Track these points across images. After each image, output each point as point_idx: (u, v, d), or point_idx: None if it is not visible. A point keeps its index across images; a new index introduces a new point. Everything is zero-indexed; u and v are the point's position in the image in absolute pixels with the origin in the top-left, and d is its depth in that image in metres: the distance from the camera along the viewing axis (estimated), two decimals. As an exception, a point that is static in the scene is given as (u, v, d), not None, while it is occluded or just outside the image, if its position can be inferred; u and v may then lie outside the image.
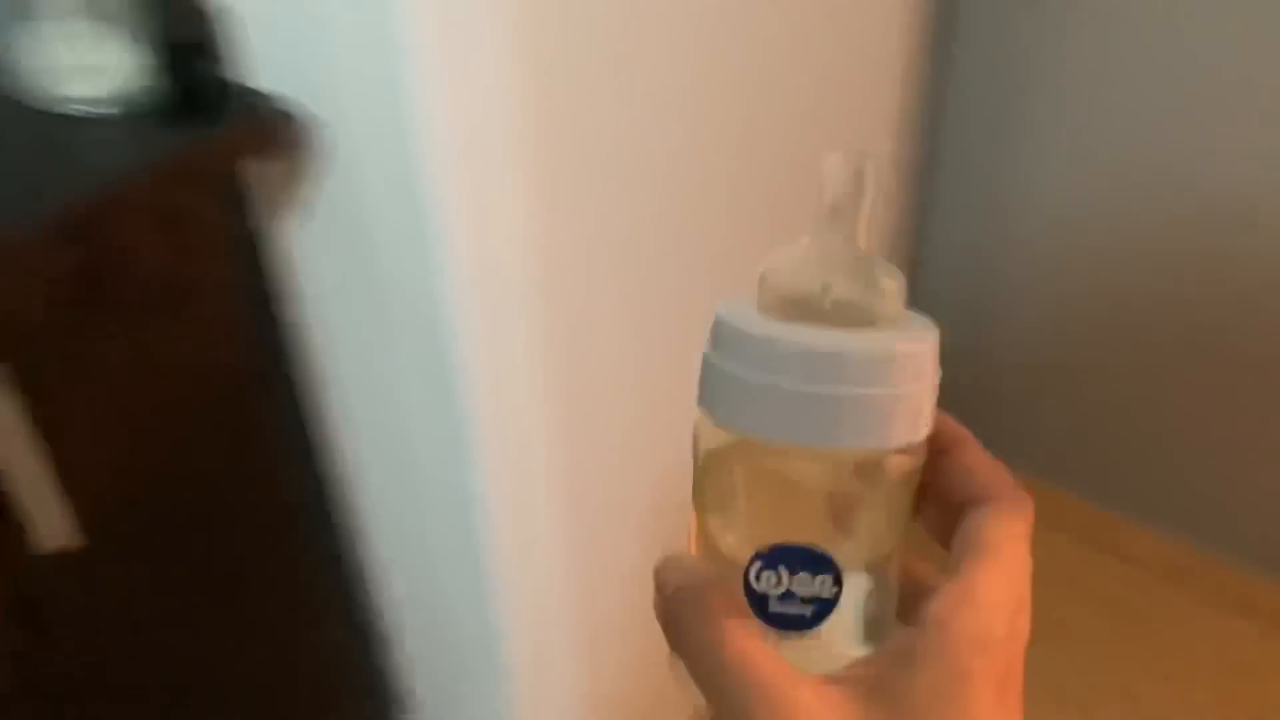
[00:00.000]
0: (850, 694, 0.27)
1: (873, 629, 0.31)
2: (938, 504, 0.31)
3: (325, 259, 0.77)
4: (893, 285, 0.30)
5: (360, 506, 0.91)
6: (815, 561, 0.29)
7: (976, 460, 0.30)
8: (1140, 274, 1.37)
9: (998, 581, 0.27)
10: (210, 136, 0.69)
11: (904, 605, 0.31)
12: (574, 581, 0.95)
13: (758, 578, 0.30)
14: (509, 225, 0.71)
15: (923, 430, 0.29)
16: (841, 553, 0.29)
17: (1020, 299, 1.51)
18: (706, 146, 0.88)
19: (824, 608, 0.30)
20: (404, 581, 0.95)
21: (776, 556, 0.29)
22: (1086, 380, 1.52)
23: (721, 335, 0.29)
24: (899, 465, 0.29)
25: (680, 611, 0.29)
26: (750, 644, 0.28)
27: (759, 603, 0.30)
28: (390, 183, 0.67)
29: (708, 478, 0.31)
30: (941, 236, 1.53)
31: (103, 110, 0.67)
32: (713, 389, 0.30)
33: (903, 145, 1.24)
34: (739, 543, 0.30)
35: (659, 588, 0.30)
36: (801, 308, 0.30)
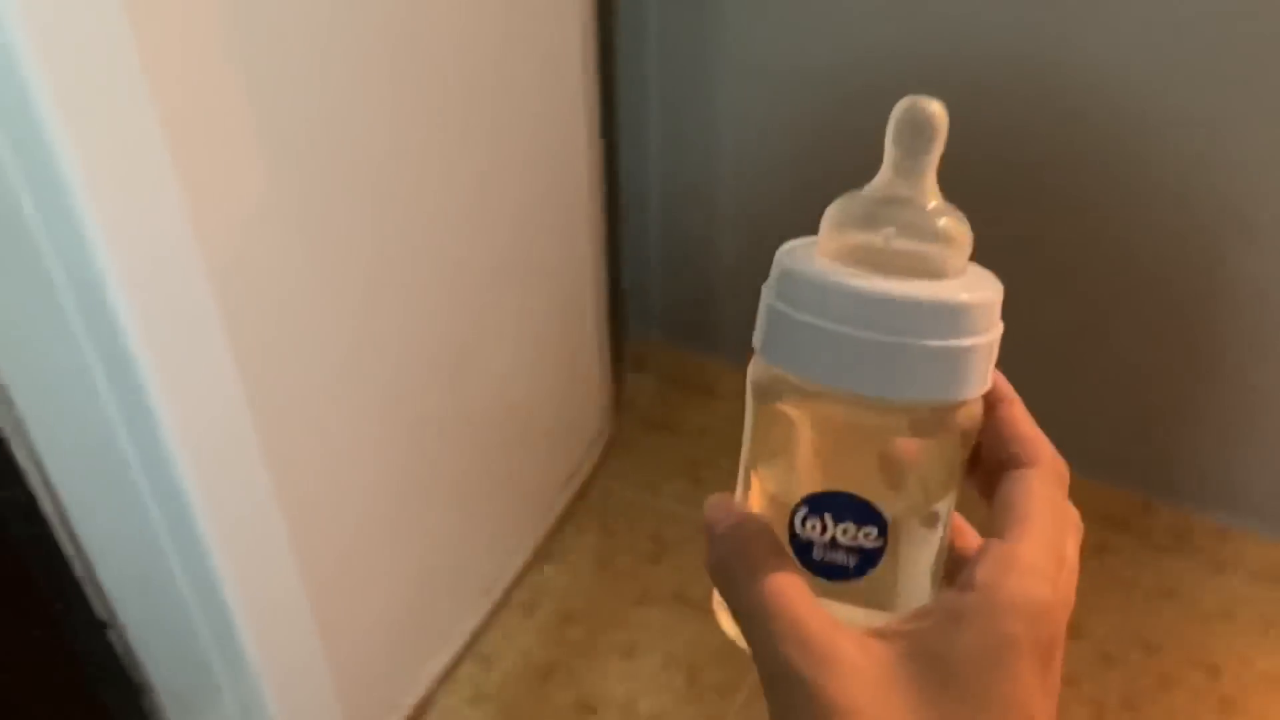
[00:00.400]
0: (892, 649, 0.26)
1: (920, 586, 0.30)
2: (977, 459, 0.31)
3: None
4: (960, 235, 0.29)
5: (62, 498, 0.83)
6: (860, 511, 0.29)
7: (1019, 420, 0.30)
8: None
9: (1042, 549, 0.27)
10: None
11: (947, 565, 0.31)
12: (297, 542, 0.90)
13: (802, 524, 0.29)
14: (148, 158, 0.64)
15: (985, 385, 0.29)
16: (892, 506, 0.29)
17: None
18: (361, 64, 0.82)
19: (868, 559, 0.29)
20: (118, 561, 0.87)
21: (821, 503, 0.29)
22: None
23: (785, 281, 0.29)
24: (959, 420, 0.29)
25: (725, 556, 0.29)
26: (792, 592, 0.27)
27: (803, 549, 0.29)
28: (11, 139, 0.59)
29: (762, 425, 0.31)
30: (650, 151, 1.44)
31: None
32: (774, 335, 0.29)
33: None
34: (789, 490, 0.30)
35: (707, 531, 0.30)
36: (866, 255, 0.29)
